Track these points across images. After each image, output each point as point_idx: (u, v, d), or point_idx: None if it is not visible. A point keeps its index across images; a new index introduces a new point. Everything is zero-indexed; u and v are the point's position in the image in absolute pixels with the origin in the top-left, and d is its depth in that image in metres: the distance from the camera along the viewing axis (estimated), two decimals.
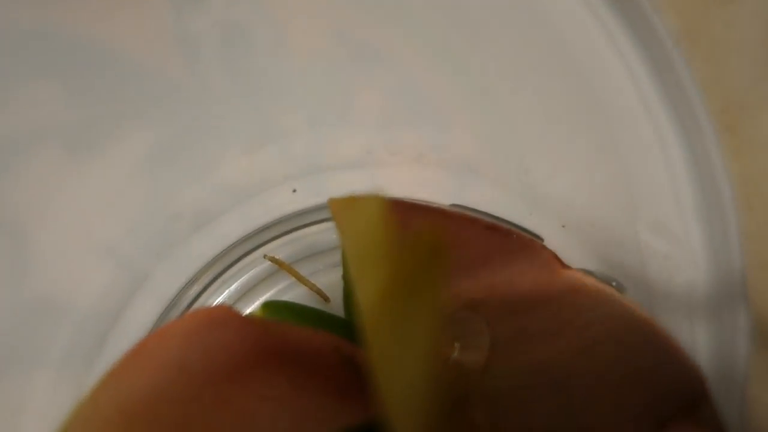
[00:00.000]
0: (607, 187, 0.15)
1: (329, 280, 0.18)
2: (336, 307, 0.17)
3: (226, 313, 0.13)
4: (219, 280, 0.17)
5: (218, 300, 0.17)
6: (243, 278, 0.17)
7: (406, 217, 0.14)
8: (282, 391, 0.13)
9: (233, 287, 0.17)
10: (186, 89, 0.17)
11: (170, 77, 0.17)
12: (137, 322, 0.16)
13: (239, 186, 0.17)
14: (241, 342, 0.12)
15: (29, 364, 0.16)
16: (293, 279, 0.17)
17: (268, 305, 0.16)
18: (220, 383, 0.12)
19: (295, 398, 0.13)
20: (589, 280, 0.14)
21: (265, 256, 0.17)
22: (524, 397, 0.13)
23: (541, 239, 0.15)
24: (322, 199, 0.17)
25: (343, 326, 0.16)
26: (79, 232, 0.16)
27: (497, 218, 0.16)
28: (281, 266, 0.17)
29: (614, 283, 0.14)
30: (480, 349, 0.13)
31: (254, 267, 0.18)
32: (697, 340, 0.15)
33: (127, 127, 0.17)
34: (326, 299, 0.17)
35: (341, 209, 0.13)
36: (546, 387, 0.12)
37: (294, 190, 0.17)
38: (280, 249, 0.17)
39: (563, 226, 0.15)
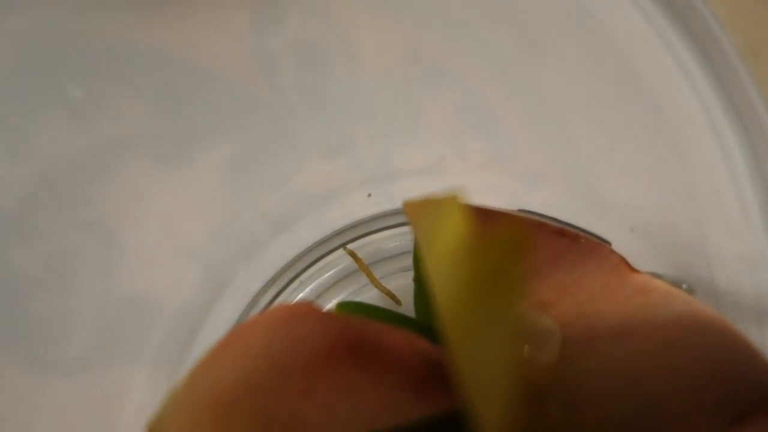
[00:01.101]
0: (674, 191, 0.15)
1: (399, 284, 0.18)
2: (407, 309, 0.17)
3: (309, 308, 0.13)
4: (296, 282, 0.18)
5: (296, 300, 0.18)
6: (318, 281, 0.18)
7: (480, 219, 0.14)
8: (361, 384, 0.13)
9: (308, 289, 0.18)
10: (264, 103, 0.18)
11: (250, 93, 0.18)
12: (222, 320, 0.17)
13: (316, 192, 0.18)
14: (322, 335, 0.13)
15: (126, 359, 0.16)
16: (365, 283, 0.18)
17: (342, 305, 0.16)
18: (303, 374, 0.13)
19: (374, 392, 0.13)
20: (659, 283, 0.14)
21: (344, 248, 0.17)
22: (597, 395, 0.13)
23: (609, 243, 0.15)
24: (394, 204, 0.17)
25: (415, 327, 0.16)
26: (167, 234, 0.17)
27: (565, 223, 0.16)
28: (357, 261, 0.17)
29: (684, 286, 0.14)
30: (551, 348, 0.13)
31: (328, 270, 0.18)
32: (767, 339, 0.15)
33: (211, 138, 0.18)
34: (398, 302, 0.17)
35: (416, 210, 0.14)
36: (619, 385, 0.12)
37: (369, 195, 0.17)
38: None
39: (632, 230, 0.15)
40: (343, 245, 0.18)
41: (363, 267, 0.17)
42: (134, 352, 0.16)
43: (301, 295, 0.18)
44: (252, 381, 0.13)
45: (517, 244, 0.10)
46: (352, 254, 0.17)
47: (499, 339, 0.10)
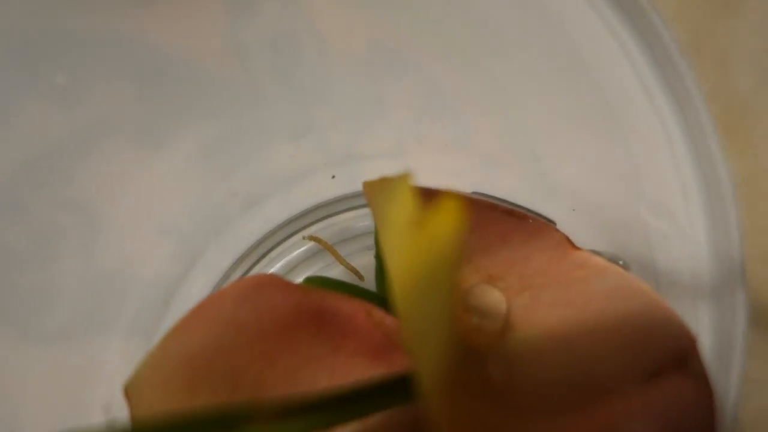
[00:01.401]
0: (616, 174, 0.16)
1: (363, 261, 0.19)
2: (370, 285, 0.18)
3: (274, 279, 0.14)
4: (265, 259, 0.19)
5: None
6: (286, 258, 0.19)
7: (426, 197, 0.15)
8: (321, 350, 0.14)
9: (277, 266, 0.19)
10: (237, 90, 0.19)
11: (224, 79, 0.19)
12: (194, 293, 0.18)
13: (284, 174, 0.18)
14: (286, 304, 0.14)
15: (104, 329, 0.17)
16: (331, 260, 0.19)
17: (309, 279, 0.17)
18: (268, 340, 0.14)
19: (334, 357, 0.14)
20: (597, 259, 0.15)
21: (304, 237, 0.18)
22: (537, 357, 0.14)
23: (554, 223, 0.16)
24: (357, 185, 0.18)
25: (375, 299, 0.17)
26: (143, 213, 0.18)
27: (514, 205, 0.17)
28: (321, 243, 0.18)
29: (621, 262, 0.15)
30: (498, 316, 0.14)
31: (296, 248, 0.19)
32: (700, 318, 0.16)
33: (187, 122, 0.18)
34: (361, 277, 0.18)
35: (374, 189, 0.15)
36: (555, 350, 0.14)
37: (333, 177, 0.18)
38: (319, 232, 0.19)
39: (573, 210, 0.16)
40: (309, 225, 0.19)
41: (327, 246, 0.18)
42: (111, 323, 0.17)
43: (271, 271, 0.19)
44: (221, 346, 0.14)
45: (453, 217, 0.11)
46: (313, 238, 0.18)
47: (438, 303, 0.11)
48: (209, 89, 0.19)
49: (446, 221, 0.11)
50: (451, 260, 0.11)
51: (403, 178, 0.13)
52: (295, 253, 0.19)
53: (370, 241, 0.19)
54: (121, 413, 0.13)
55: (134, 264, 0.18)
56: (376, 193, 0.14)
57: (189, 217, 0.18)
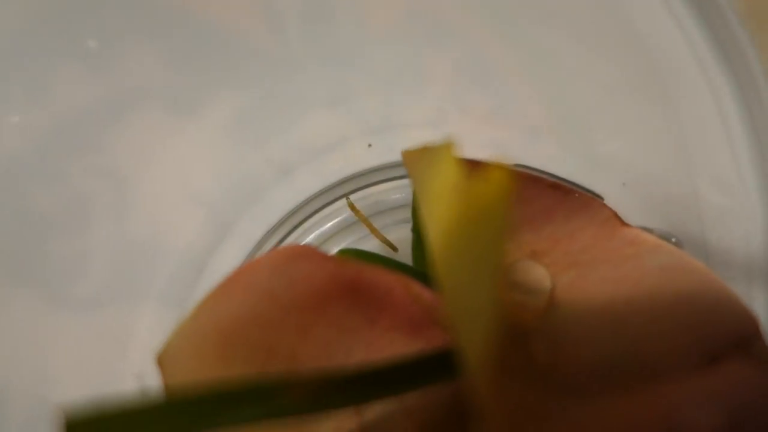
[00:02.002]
0: (667, 147, 0.15)
1: (398, 235, 0.18)
2: (403, 258, 0.18)
3: (310, 250, 0.14)
4: (299, 230, 0.18)
5: None
6: (320, 229, 0.18)
7: (471, 167, 0.14)
8: (357, 323, 0.14)
9: (310, 237, 0.18)
10: (271, 57, 0.18)
11: (259, 45, 0.18)
12: (227, 262, 0.17)
13: (319, 143, 0.18)
14: (321, 276, 0.13)
15: (136, 297, 0.17)
16: (365, 233, 0.18)
17: (343, 251, 0.17)
18: (302, 312, 0.13)
19: (369, 331, 0.14)
20: (648, 236, 0.14)
21: (346, 199, 0.18)
22: (583, 336, 0.13)
23: (602, 198, 0.16)
24: (395, 155, 0.18)
25: (411, 273, 0.17)
26: (176, 181, 0.18)
27: (560, 179, 0.16)
28: (356, 213, 0.18)
29: (673, 240, 0.14)
30: (541, 294, 0.14)
31: (330, 220, 0.18)
32: (754, 301, 0.15)
33: (220, 90, 0.18)
34: (395, 250, 0.18)
35: (414, 158, 0.14)
36: (603, 330, 0.13)
37: (369, 145, 0.18)
38: (354, 204, 0.18)
39: (624, 185, 0.16)
40: (344, 195, 0.18)
41: (362, 217, 0.18)
42: (143, 291, 0.17)
43: (304, 242, 0.18)
44: (254, 316, 0.13)
45: (502, 189, 0.11)
46: (352, 206, 0.18)
47: (483, 278, 0.11)
48: (244, 56, 0.18)
49: (494, 193, 0.11)
50: (498, 233, 0.11)
51: (446, 147, 0.12)
52: (329, 224, 0.18)
53: (406, 214, 0.18)
54: (154, 382, 0.13)
55: (167, 232, 0.17)
56: (416, 162, 0.14)
57: (222, 186, 0.18)
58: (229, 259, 0.18)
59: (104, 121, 0.18)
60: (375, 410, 0.13)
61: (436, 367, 0.12)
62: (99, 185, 0.18)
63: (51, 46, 0.18)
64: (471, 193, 0.11)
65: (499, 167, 0.10)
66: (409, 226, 0.18)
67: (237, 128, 0.18)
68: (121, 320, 0.17)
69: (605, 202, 0.16)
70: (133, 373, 0.16)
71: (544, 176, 0.16)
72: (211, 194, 0.18)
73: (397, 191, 0.19)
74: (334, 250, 0.18)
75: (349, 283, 0.14)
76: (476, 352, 0.10)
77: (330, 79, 0.18)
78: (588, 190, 0.16)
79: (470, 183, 0.11)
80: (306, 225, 0.18)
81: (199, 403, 0.10)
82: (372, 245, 0.18)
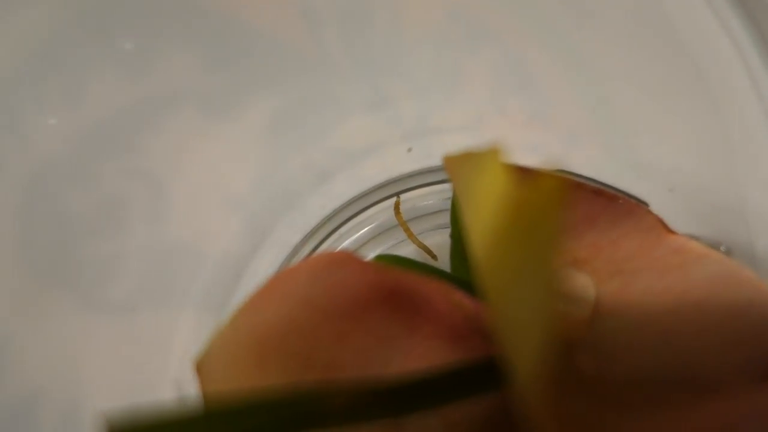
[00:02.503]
0: (714, 152, 0.14)
1: (435, 241, 0.18)
2: (442, 265, 0.18)
3: (349, 256, 0.13)
4: (335, 235, 0.18)
5: None
6: (356, 235, 0.18)
7: (519, 174, 0.14)
8: (396, 332, 0.13)
9: (347, 242, 0.18)
10: (308, 59, 0.18)
11: (295, 48, 0.18)
12: (264, 267, 0.17)
13: (356, 147, 0.18)
14: (360, 283, 0.13)
15: (172, 303, 0.17)
16: (401, 238, 0.18)
17: (381, 257, 0.17)
18: (340, 319, 0.13)
19: (409, 339, 0.13)
20: (696, 245, 0.14)
21: (397, 198, 0.17)
22: (629, 350, 0.13)
23: (647, 205, 0.15)
24: (432, 160, 0.18)
25: (450, 281, 0.16)
26: (212, 185, 0.18)
27: (603, 184, 0.16)
28: (397, 215, 0.17)
29: (722, 248, 0.14)
30: (585, 303, 0.13)
31: (366, 225, 0.18)
32: None
33: (256, 93, 0.18)
34: (434, 257, 0.18)
35: (456, 164, 0.14)
36: (650, 341, 0.13)
37: (409, 149, 0.17)
38: (391, 209, 0.18)
39: (670, 191, 0.15)
40: (380, 200, 0.18)
41: (401, 221, 0.18)
42: (180, 297, 0.17)
43: (340, 247, 0.18)
44: (292, 324, 0.13)
45: (555, 198, 0.10)
46: (397, 207, 0.17)
47: (536, 290, 0.10)
48: (280, 59, 0.18)
49: (547, 200, 0.10)
50: (552, 241, 0.10)
51: (492, 152, 0.12)
52: (365, 229, 0.18)
53: (444, 219, 0.18)
54: (191, 389, 0.12)
55: (202, 237, 0.17)
56: (459, 168, 0.14)
57: (258, 190, 0.18)
58: (265, 265, 0.17)
59: (139, 122, 0.18)
60: (414, 423, 0.12)
61: (479, 377, 0.12)
62: (134, 188, 0.18)
63: (86, 48, 0.18)
64: (521, 201, 0.11)
65: (551, 174, 0.10)
66: (447, 231, 0.17)
67: (273, 132, 0.18)
68: (157, 325, 0.17)
69: (650, 208, 0.15)
70: (171, 380, 0.16)
71: (587, 182, 0.16)
72: (247, 199, 0.18)
73: (434, 196, 0.18)
74: (370, 255, 0.18)
75: (387, 290, 0.14)
76: (528, 363, 0.10)
77: (367, 81, 0.18)
78: (632, 197, 0.15)
79: (520, 190, 0.11)
80: (342, 230, 0.18)
81: (238, 413, 0.10)
82: (408, 251, 0.18)
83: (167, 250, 0.18)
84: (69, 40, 0.17)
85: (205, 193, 0.18)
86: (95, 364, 0.17)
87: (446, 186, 0.18)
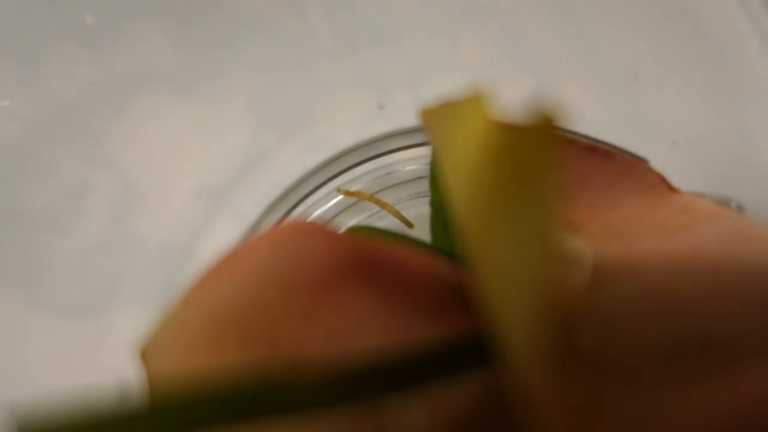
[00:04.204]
0: (722, 98, 0.13)
1: (413, 211, 0.17)
2: (421, 235, 0.16)
3: (314, 226, 0.12)
4: (301, 206, 0.16)
5: None
6: (325, 206, 0.17)
7: (505, 124, 0.13)
8: (371, 308, 0.12)
9: (314, 215, 0.17)
10: (289, 38, 0.16)
11: (273, 22, 0.17)
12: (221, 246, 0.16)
13: (319, 106, 0.16)
14: (329, 254, 0.12)
15: (133, 301, 0.16)
16: (376, 210, 0.17)
17: (353, 230, 0.15)
18: (307, 296, 0.12)
19: (385, 315, 0.12)
20: (703, 202, 0.12)
21: (338, 190, 0.16)
22: (634, 320, 0.11)
23: (647, 161, 0.14)
24: (407, 120, 0.16)
25: (430, 251, 0.15)
26: (181, 172, 0.16)
27: (597, 140, 0.15)
28: (358, 197, 0.16)
29: (733, 204, 0.13)
30: (581, 269, 0.12)
31: (337, 196, 0.17)
32: None
33: (230, 71, 0.16)
34: (410, 225, 0.16)
35: (435, 117, 0.12)
36: (658, 308, 0.11)
37: (381, 107, 0.16)
38: (363, 177, 0.17)
39: (673, 143, 0.14)
40: (350, 167, 0.16)
41: (365, 197, 0.16)
42: (141, 294, 0.16)
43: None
44: (253, 301, 0.12)
45: (548, 145, 0.09)
46: (347, 193, 0.16)
47: (528, 252, 0.09)
48: (257, 33, 0.16)
49: (539, 148, 0.09)
50: (547, 194, 0.09)
51: (475, 99, 0.11)
52: (335, 200, 0.17)
53: (422, 187, 0.17)
54: (136, 380, 0.11)
55: (173, 229, 0.16)
56: (437, 122, 0.12)
57: (236, 179, 0.16)
58: (225, 240, 0.16)
59: (103, 105, 0.17)
60: (395, 408, 0.11)
61: (466, 354, 0.10)
62: (96, 176, 0.16)
63: (43, 22, 0.16)
64: (509, 151, 0.09)
65: (544, 117, 0.09)
66: (427, 200, 0.16)
67: (252, 114, 0.16)
68: (113, 326, 0.15)
69: (651, 165, 0.14)
70: (114, 372, 0.15)
71: (579, 138, 0.14)
72: (225, 188, 0.16)
73: (412, 162, 0.17)
74: (342, 229, 0.17)
75: (359, 262, 0.12)
76: (522, 337, 0.08)
77: (352, 62, 0.16)
78: (630, 153, 0.14)
79: (507, 139, 0.09)
80: (309, 201, 0.17)
81: (184, 404, 0.09)
82: (386, 224, 0.17)
83: (133, 240, 0.16)
84: (23, 12, 0.16)
85: (176, 182, 0.17)
86: (45, 364, 0.16)
87: (427, 149, 0.17)
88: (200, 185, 0.17)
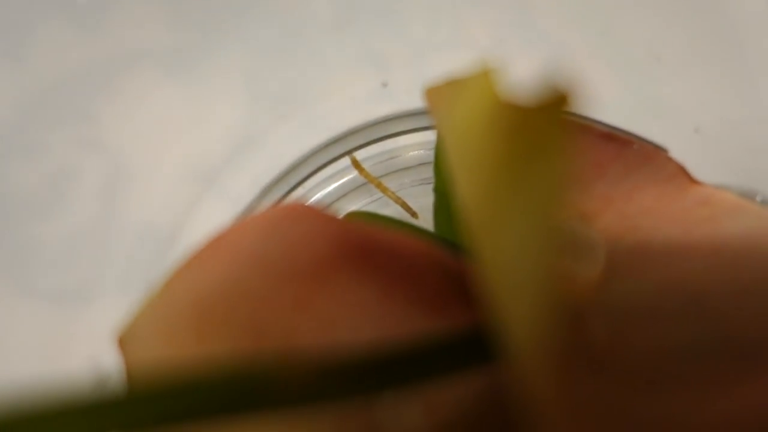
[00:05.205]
0: (747, 84, 0.12)
1: (418, 198, 0.16)
2: (425, 225, 0.16)
3: (307, 208, 0.11)
4: (299, 190, 0.16)
5: None
6: (324, 191, 0.16)
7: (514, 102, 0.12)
8: (368, 297, 0.12)
9: (312, 201, 0.16)
10: (285, 13, 0.16)
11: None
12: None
13: (319, 84, 0.16)
14: (322, 238, 0.11)
15: (121, 289, 0.15)
16: (378, 195, 0.16)
17: (352, 215, 0.15)
18: (299, 282, 0.11)
19: (381, 304, 0.11)
20: (726, 194, 0.12)
21: (350, 156, 0.15)
22: (651, 317, 0.11)
23: (666, 151, 0.13)
24: (413, 102, 0.15)
25: (434, 241, 0.14)
26: (174, 153, 0.16)
27: (614, 127, 0.14)
28: (362, 173, 0.15)
29: (759, 198, 0.12)
30: (593, 261, 0.12)
31: (336, 180, 0.16)
32: None
33: (224, 48, 0.16)
34: (413, 214, 0.15)
35: (440, 96, 0.12)
36: (676, 305, 0.11)
37: (384, 84, 0.15)
38: (365, 162, 0.16)
39: (696, 131, 0.13)
40: (352, 150, 0.16)
41: (370, 178, 0.15)
42: (129, 280, 0.15)
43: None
44: (240, 288, 0.11)
45: (559, 123, 0.08)
46: (356, 164, 0.15)
47: (536, 242, 0.09)
48: (252, 9, 0.16)
49: (551, 127, 0.08)
50: (556, 182, 0.08)
51: (482, 76, 0.10)
52: (335, 185, 0.16)
53: (427, 173, 0.16)
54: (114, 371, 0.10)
55: (165, 215, 0.15)
56: (443, 100, 0.12)
57: (232, 162, 0.15)
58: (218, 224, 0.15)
59: (94, 85, 0.16)
60: (390, 405, 0.10)
61: (466, 350, 0.10)
62: (86, 160, 0.16)
63: (33, 0, 0.16)
64: (518, 130, 0.09)
65: (556, 95, 0.08)
66: (428, 186, 0.15)
67: (248, 93, 0.16)
68: (105, 307, 0.15)
69: (670, 155, 0.13)
70: (95, 360, 0.14)
71: (595, 124, 0.14)
72: (221, 172, 0.15)
73: (418, 147, 0.16)
74: (340, 215, 0.16)
75: (356, 248, 0.12)
76: (528, 333, 0.08)
77: (352, 41, 0.15)
78: (649, 141, 0.13)
79: (516, 117, 0.09)
80: (307, 185, 0.16)
81: (164, 394, 0.08)
82: (389, 212, 0.16)
83: (124, 228, 0.15)
84: None
85: (168, 165, 0.16)
86: (30, 351, 0.15)
87: (433, 133, 0.16)
88: (193, 168, 0.16)
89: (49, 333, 0.15)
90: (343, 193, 0.17)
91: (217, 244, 0.11)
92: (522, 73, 0.15)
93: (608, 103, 0.14)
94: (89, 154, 0.16)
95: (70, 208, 0.16)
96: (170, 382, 0.08)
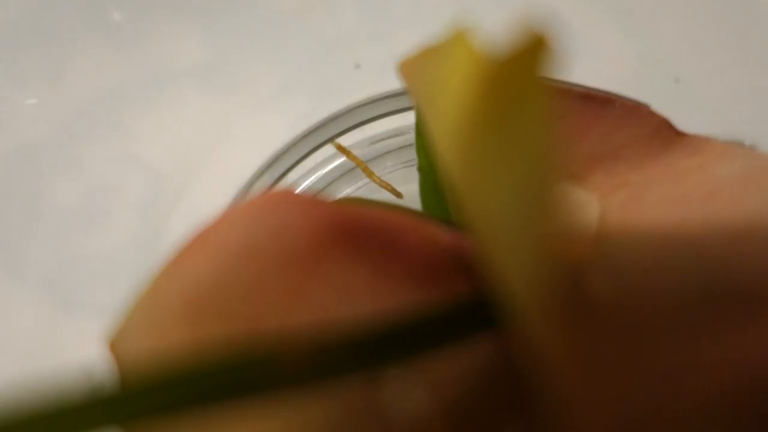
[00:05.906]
0: (731, 24, 0.12)
1: (401, 181, 0.16)
2: (412, 205, 0.15)
3: (291, 195, 0.11)
4: (283, 180, 0.16)
5: None
6: (309, 180, 0.16)
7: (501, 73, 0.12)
8: (359, 278, 0.11)
9: (299, 190, 0.16)
10: (316, 34, 0.16)
11: (298, 18, 0.16)
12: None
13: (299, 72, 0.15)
14: (313, 223, 0.11)
15: None
16: (363, 182, 0.16)
17: (340, 201, 0.14)
18: (290, 270, 0.11)
19: (377, 285, 0.11)
20: (713, 142, 0.12)
21: (334, 143, 0.15)
22: (647, 270, 0.11)
23: (648, 105, 0.13)
24: (390, 83, 0.15)
25: (422, 217, 0.14)
26: (211, 169, 0.15)
27: (592, 87, 0.14)
28: (348, 155, 0.15)
29: (747, 142, 0.12)
30: (588, 218, 0.11)
31: (320, 168, 0.16)
32: None
33: (258, 65, 0.16)
34: (398, 195, 0.15)
35: (416, 67, 0.11)
36: (675, 255, 0.10)
37: (357, 66, 0.15)
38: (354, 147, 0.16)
39: (677, 81, 0.13)
40: (334, 137, 0.15)
41: (355, 160, 0.15)
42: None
43: None
44: (230, 279, 0.11)
45: (536, 68, 0.08)
46: (340, 148, 0.15)
47: (525, 197, 0.08)
48: (283, 29, 0.16)
49: (531, 76, 0.08)
50: (543, 132, 0.08)
51: (457, 38, 0.10)
52: (321, 172, 0.16)
53: (410, 155, 0.16)
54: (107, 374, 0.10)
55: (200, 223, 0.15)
56: (419, 71, 0.11)
57: (258, 170, 0.15)
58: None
59: (129, 102, 0.16)
60: (393, 383, 0.10)
61: (469, 317, 0.09)
62: (124, 174, 0.15)
63: (71, 20, 0.16)
64: (496, 84, 0.08)
65: (530, 41, 0.08)
66: (412, 168, 0.15)
67: (281, 107, 0.15)
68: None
69: (653, 109, 0.13)
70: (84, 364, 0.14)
71: (572, 86, 0.13)
72: (246, 174, 0.15)
73: (398, 131, 0.16)
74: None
75: (347, 229, 0.11)
76: (529, 293, 0.08)
77: (375, 41, 0.15)
78: (629, 99, 0.13)
79: (493, 72, 0.08)
80: (290, 176, 0.16)
81: (159, 385, 0.08)
82: (377, 196, 0.16)
83: (166, 243, 0.15)
84: (49, 9, 0.15)
85: (203, 178, 0.16)
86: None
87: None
88: (230, 181, 0.16)
89: (96, 348, 0.15)
90: (328, 183, 0.16)
91: (204, 237, 0.11)
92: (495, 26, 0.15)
93: (586, 56, 0.14)
94: (128, 169, 0.16)
95: (111, 223, 0.16)
96: (164, 373, 0.08)
